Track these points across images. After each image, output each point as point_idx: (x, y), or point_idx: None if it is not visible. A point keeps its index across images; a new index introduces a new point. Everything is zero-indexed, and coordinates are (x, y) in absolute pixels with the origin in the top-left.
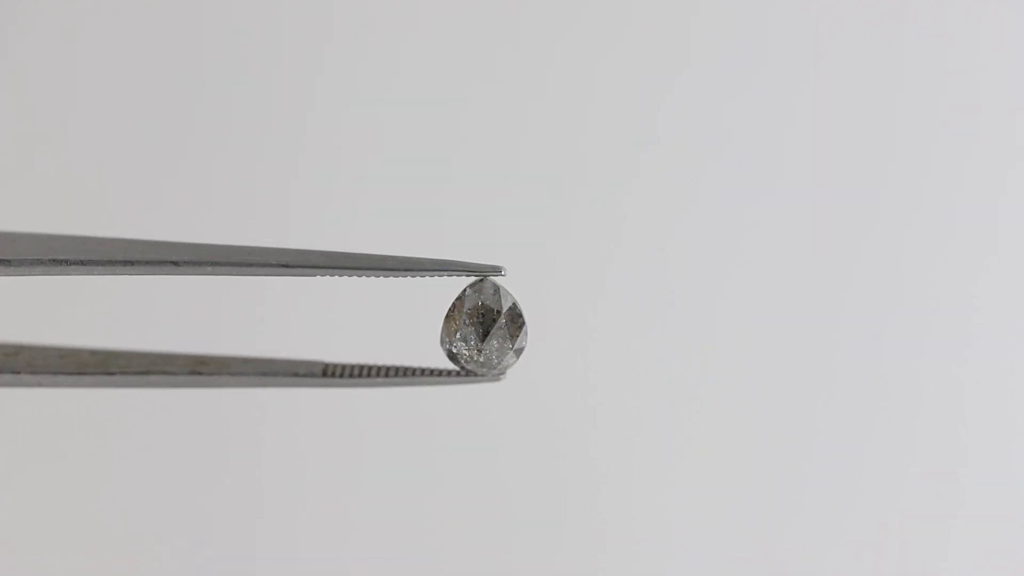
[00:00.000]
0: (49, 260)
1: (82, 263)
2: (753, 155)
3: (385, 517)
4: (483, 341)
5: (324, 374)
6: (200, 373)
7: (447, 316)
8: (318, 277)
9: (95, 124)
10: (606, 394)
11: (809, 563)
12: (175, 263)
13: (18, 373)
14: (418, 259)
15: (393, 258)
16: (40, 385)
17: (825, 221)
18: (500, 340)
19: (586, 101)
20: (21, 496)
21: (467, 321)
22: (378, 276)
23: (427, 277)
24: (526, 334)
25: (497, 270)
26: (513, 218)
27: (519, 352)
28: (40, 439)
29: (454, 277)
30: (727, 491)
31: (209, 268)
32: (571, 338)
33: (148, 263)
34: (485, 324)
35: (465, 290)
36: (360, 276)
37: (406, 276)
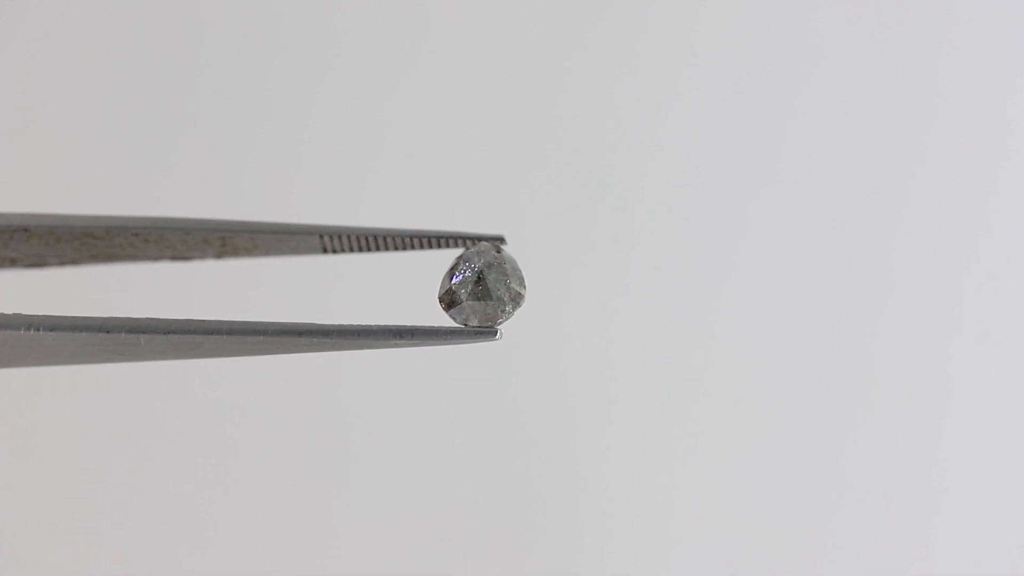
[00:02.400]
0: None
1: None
2: (756, 151)
3: (378, 506)
4: (482, 274)
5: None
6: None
7: (446, 273)
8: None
9: (100, 104)
10: (599, 389)
11: (807, 553)
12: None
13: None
14: (422, 231)
15: (397, 230)
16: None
17: (826, 217)
18: (498, 274)
19: (597, 88)
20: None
21: (464, 257)
22: (382, 251)
23: (430, 250)
24: (524, 284)
25: (498, 239)
26: (514, 208)
27: (516, 300)
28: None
29: (457, 249)
30: (728, 485)
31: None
32: (568, 331)
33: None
34: (486, 259)
35: (467, 251)
36: (363, 252)
37: (409, 250)
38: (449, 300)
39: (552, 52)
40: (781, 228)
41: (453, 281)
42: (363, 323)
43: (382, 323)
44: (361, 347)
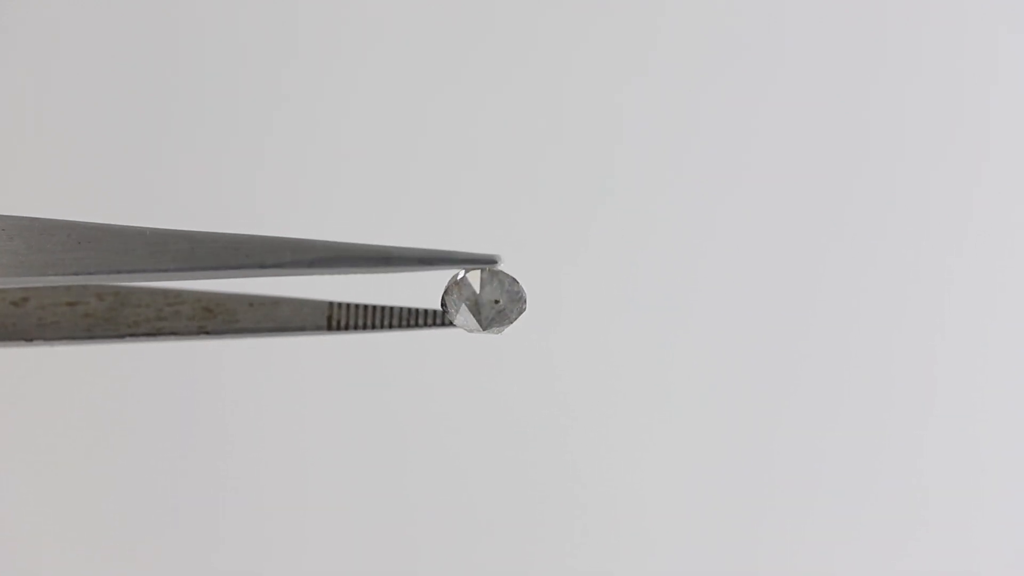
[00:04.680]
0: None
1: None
2: (728, 148)
3: (374, 504)
4: (483, 327)
5: (329, 326)
6: (207, 332)
7: (445, 292)
8: (315, 277)
9: (81, 112)
10: (583, 388)
11: (799, 551)
12: (166, 270)
13: (31, 340)
14: (415, 250)
15: (390, 248)
16: (51, 344)
17: (803, 216)
18: (499, 324)
19: (569, 95)
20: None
21: (467, 308)
22: (372, 272)
23: (424, 271)
24: (525, 300)
25: (492, 261)
26: (508, 215)
27: (519, 314)
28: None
29: (451, 271)
30: (721, 486)
31: (201, 272)
32: (548, 329)
33: (138, 271)
34: (485, 312)
35: (464, 276)
36: (355, 272)
37: (402, 271)
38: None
39: (546, 62)
40: (773, 230)
41: (457, 316)
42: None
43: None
44: (369, 331)
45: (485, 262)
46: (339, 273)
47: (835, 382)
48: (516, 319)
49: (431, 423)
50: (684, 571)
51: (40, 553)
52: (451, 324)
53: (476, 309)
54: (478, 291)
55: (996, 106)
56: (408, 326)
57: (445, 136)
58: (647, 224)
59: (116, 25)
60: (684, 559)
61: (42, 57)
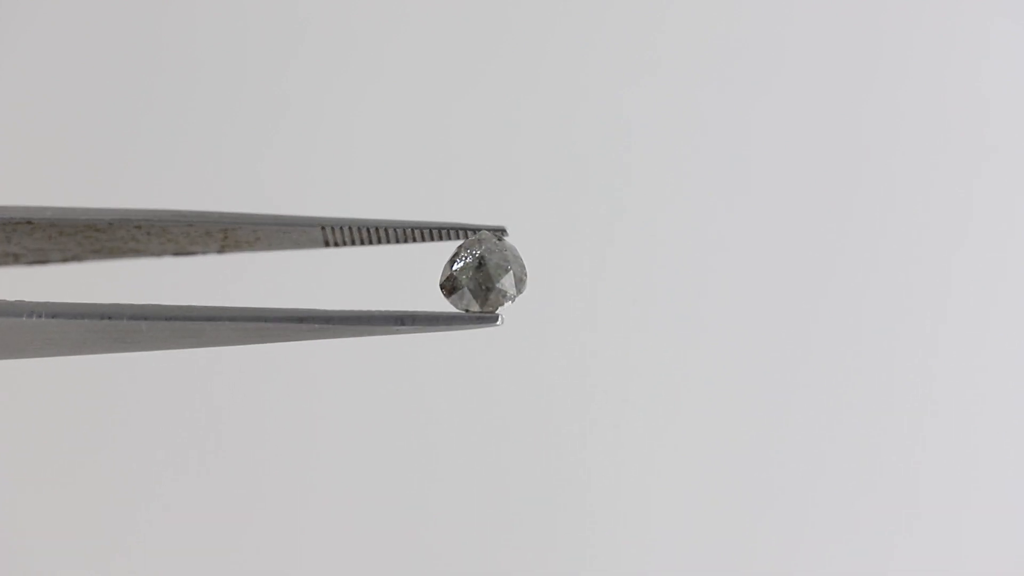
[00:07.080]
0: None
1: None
2: (737, 148)
3: (366, 499)
4: (483, 260)
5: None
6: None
7: (448, 260)
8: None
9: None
10: (588, 385)
11: (789, 547)
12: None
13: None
14: (423, 223)
15: (399, 222)
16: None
17: (812, 215)
18: (499, 260)
19: (576, 99)
20: None
21: (466, 245)
22: (383, 244)
23: (432, 242)
24: (525, 271)
25: (500, 230)
26: (510, 204)
27: (518, 286)
28: None
29: (459, 241)
30: (712, 480)
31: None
32: (556, 326)
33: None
34: (487, 246)
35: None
36: (364, 246)
37: (411, 243)
38: (450, 286)
39: (550, 52)
40: (768, 226)
41: (454, 267)
42: (364, 309)
43: (383, 309)
44: (362, 334)
45: (492, 230)
46: (345, 246)
47: (838, 385)
48: (519, 283)
49: (437, 421)
50: (689, 570)
51: (40, 553)
52: (447, 320)
53: (477, 244)
54: (481, 249)
55: (994, 105)
56: (404, 323)
57: (448, 138)
58: (655, 231)
59: (139, 10)
60: (689, 558)
61: (46, 54)
